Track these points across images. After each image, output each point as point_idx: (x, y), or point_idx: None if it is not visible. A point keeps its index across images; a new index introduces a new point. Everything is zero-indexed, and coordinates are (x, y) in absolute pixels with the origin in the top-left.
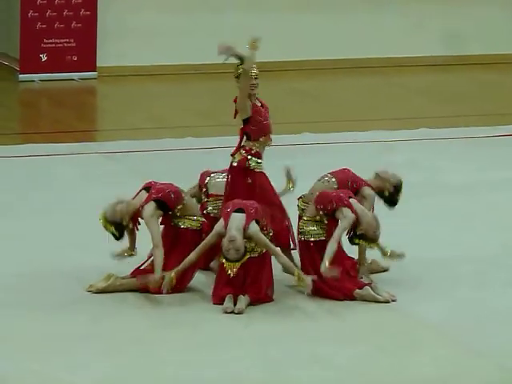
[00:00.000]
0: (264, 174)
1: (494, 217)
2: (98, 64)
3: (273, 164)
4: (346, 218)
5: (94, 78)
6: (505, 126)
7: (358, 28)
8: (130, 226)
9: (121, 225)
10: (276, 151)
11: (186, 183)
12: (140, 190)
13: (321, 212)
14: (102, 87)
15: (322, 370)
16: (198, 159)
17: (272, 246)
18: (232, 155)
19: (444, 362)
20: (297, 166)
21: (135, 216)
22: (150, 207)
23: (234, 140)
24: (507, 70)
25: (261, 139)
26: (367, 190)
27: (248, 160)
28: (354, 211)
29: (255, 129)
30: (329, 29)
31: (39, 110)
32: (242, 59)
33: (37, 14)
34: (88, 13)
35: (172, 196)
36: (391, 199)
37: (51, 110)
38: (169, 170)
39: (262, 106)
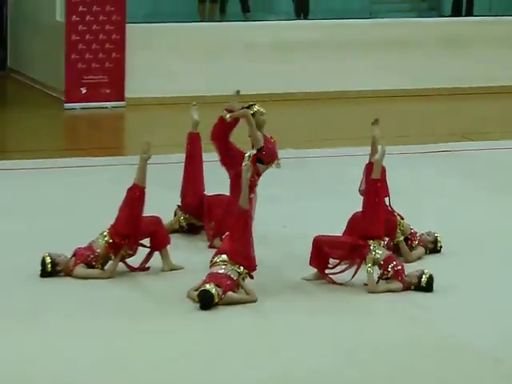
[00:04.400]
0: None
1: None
2: (126, 95)
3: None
4: None
5: (123, 107)
6: (441, 144)
7: (326, 66)
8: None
9: (54, 268)
10: None
11: None
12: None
13: None
14: (129, 114)
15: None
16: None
17: (243, 297)
18: None
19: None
20: (281, 175)
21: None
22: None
23: None
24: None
25: (271, 162)
26: None
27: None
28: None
29: (267, 155)
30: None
31: (80, 131)
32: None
33: (78, 56)
34: (118, 55)
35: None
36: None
37: (89, 131)
38: (180, 178)
39: (270, 137)
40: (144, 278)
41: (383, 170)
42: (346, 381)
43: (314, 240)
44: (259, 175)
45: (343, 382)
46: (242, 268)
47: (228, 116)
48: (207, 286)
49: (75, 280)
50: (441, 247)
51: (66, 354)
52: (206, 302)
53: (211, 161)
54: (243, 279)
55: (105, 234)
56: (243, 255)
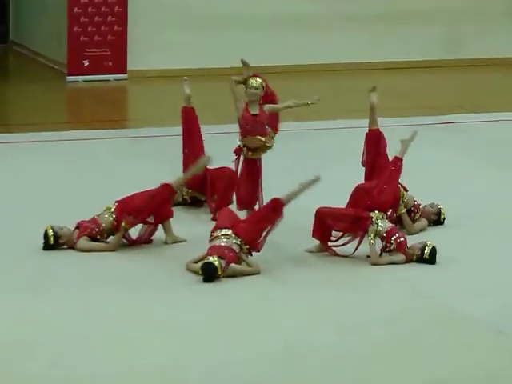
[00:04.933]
0: (255, 160)
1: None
2: (129, 68)
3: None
4: None
5: (125, 79)
6: (442, 116)
7: (327, 38)
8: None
9: (57, 240)
10: None
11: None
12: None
13: None
14: (131, 87)
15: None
16: (206, 143)
17: (245, 269)
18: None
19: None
20: (284, 148)
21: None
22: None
23: (233, 127)
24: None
25: (245, 138)
26: None
27: (242, 148)
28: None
29: (241, 130)
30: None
31: (82, 104)
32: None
33: (80, 29)
34: (120, 28)
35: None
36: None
37: (91, 104)
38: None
39: (256, 115)
40: (147, 251)
41: (384, 144)
42: (347, 352)
43: (316, 212)
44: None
45: (345, 354)
46: (244, 242)
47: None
48: (210, 259)
49: (78, 252)
50: (444, 219)
51: (67, 326)
52: (209, 274)
53: (210, 133)
54: (245, 254)
55: (112, 210)
56: (252, 239)
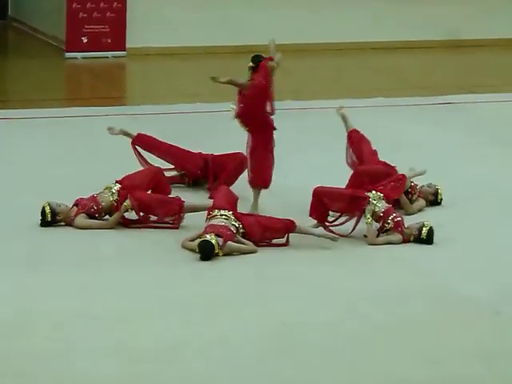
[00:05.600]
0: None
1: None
2: (127, 45)
3: None
4: None
5: (124, 57)
6: (442, 97)
7: (331, 18)
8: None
9: (54, 217)
10: None
11: (193, 138)
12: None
13: None
14: (130, 63)
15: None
16: (203, 120)
17: (242, 246)
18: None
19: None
20: (281, 127)
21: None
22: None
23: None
24: (445, 53)
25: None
26: None
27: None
28: None
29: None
30: (306, 19)
31: (80, 80)
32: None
33: (79, 5)
34: (119, 5)
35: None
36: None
37: (90, 81)
38: (181, 128)
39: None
40: (144, 229)
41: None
42: (345, 331)
43: (313, 191)
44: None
45: (343, 333)
46: (241, 225)
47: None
48: (207, 237)
49: (76, 230)
50: (441, 199)
51: (65, 302)
52: (206, 252)
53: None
54: (240, 235)
55: (114, 191)
56: (253, 233)
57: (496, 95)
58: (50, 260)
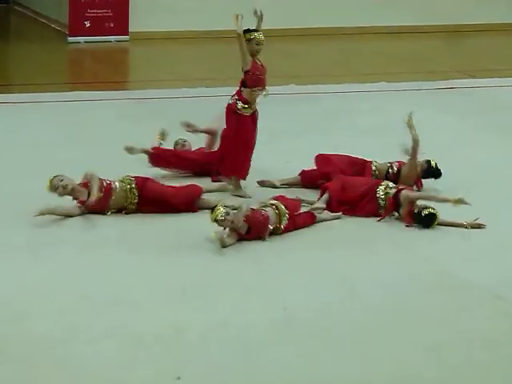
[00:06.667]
0: (250, 117)
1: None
2: (130, 29)
3: (266, 109)
4: None
5: (127, 41)
6: (444, 81)
7: (334, 1)
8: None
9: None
10: (268, 99)
11: (196, 122)
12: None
13: None
14: (132, 48)
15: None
16: (206, 104)
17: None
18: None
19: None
20: (285, 111)
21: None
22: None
23: (235, 90)
24: (447, 38)
25: (255, 89)
26: None
27: (236, 104)
28: None
29: (251, 79)
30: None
31: (83, 65)
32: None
33: None
34: None
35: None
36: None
37: (93, 65)
38: (184, 112)
39: (261, 65)
40: (147, 214)
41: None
42: (347, 316)
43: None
44: (244, 101)
45: (344, 318)
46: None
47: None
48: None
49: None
50: (438, 169)
51: (66, 288)
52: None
53: (215, 95)
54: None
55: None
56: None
57: (497, 80)
58: (53, 244)
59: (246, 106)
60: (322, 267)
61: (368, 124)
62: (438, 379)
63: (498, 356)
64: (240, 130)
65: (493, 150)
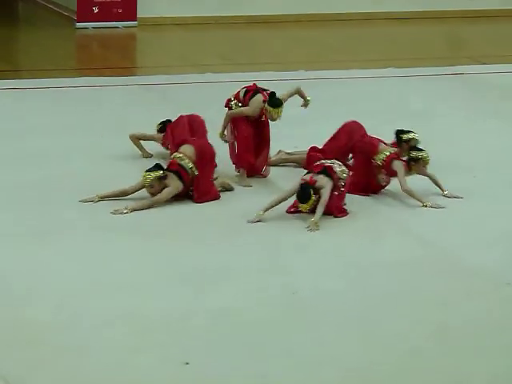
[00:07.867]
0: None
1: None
2: (138, 15)
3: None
4: None
5: (135, 27)
6: (451, 67)
7: None
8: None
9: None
10: (277, 85)
11: (204, 108)
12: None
13: None
14: (141, 34)
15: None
16: (214, 90)
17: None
18: None
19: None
20: (294, 96)
21: None
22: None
23: (243, 76)
24: (455, 24)
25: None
26: None
27: (230, 102)
28: None
29: None
30: None
31: (91, 51)
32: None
33: None
34: None
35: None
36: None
37: (101, 51)
38: (192, 98)
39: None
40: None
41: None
42: (353, 300)
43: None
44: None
45: (349, 301)
46: None
47: None
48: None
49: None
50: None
51: (74, 272)
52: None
53: (220, 81)
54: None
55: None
56: None
57: (505, 66)
58: (62, 229)
59: (240, 104)
60: (329, 251)
61: (375, 108)
62: (445, 363)
63: (505, 341)
64: (237, 126)
65: (499, 135)
